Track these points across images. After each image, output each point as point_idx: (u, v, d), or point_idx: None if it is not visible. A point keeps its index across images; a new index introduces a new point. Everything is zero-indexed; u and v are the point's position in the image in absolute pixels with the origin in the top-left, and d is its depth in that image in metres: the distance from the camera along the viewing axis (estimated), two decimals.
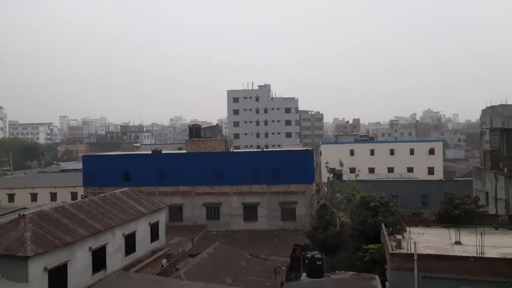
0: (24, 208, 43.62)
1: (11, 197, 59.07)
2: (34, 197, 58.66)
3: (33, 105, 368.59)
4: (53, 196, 57.77)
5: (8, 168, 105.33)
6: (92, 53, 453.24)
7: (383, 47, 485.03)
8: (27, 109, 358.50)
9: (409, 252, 22.78)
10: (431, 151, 74.13)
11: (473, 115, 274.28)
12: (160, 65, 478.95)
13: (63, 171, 79.79)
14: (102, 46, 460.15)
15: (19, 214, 22.66)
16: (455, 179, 62.28)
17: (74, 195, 55.31)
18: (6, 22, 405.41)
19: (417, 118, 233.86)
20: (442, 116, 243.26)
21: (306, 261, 29.23)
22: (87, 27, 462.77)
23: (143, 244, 29.21)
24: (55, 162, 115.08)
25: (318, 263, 28.52)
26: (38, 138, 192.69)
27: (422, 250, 22.97)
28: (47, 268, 19.93)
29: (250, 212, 43.73)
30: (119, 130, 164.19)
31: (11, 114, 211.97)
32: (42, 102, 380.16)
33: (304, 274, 29.53)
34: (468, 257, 21.79)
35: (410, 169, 70.69)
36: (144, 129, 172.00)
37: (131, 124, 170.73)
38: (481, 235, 22.95)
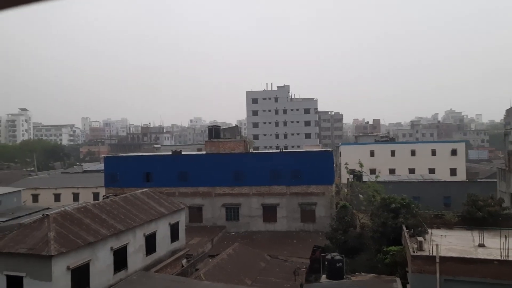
0: (48, 208, 44.65)
1: (35, 197, 60.39)
2: (57, 198, 59.83)
3: (56, 107, 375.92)
4: (76, 197, 58.85)
5: (32, 169, 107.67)
6: (113, 55, 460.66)
7: (404, 45, 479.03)
8: (50, 111, 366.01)
9: (431, 254, 22.49)
10: (454, 152, 72.88)
11: (497, 115, 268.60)
12: (179, 67, 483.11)
13: (85, 172, 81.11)
14: (122, 49, 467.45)
15: (43, 214, 23.19)
16: (479, 180, 61.05)
17: (96, 196, 56.22)
18: (31, 27, 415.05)
19: (439, 119, 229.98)
20: (464, 116, 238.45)
21: (326, 263, 29.10)
22: (108, 30, 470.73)
23: (164, 245, 29.49)
24: (77, 163, 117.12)
25: (338, 264, 28.36)
26: (61, 140, 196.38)
27: (444, 253, 22.65)
28: (70, 267, 20.31)
29: (269, 213, 43.70)
30: (139, 131, 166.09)
31: (35, 116, 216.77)
32: (65, 104, 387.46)
33: (324, 276, 29.40)
34: (492, 260, 21.39)
35: (431, 170, 69.55)
36: (164, 130, 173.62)
37: (152, 126, 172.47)
38: (506, 237, 22.48)
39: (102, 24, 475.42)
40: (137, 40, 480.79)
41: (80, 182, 62.70)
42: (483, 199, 30.78)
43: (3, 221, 40.10)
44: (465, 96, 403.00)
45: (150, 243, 27.82)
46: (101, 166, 72.81)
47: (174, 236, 31.11)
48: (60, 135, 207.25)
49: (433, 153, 73.26)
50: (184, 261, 31.75)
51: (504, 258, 21.33)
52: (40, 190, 61.29)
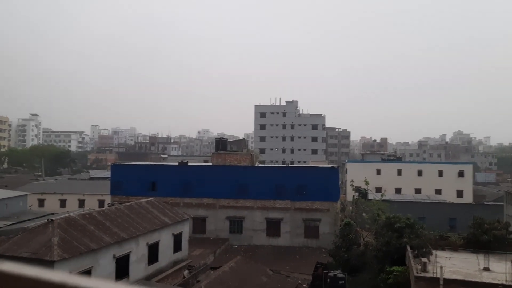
0: (53, 214, 44.79)
1: (41, 202, 60.63)
2: (63, 203, 60.03)
3: (66, 114, 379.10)
4: (81, 203, 59.02)
5: (40, 174, 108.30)
6: (124, 67, 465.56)
7: (413, 65, 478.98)
8: (60, 117, 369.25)
9: (435, 276, 22.29)
10: (461, 174, 72.41)
11: (506, 138, 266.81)
12: (189, 80, 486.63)
13: (91, 178, 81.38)
14: (134, 61, 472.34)
15: (48, 219, 23.32)
16: (485, 203, 60.50)
17: (101, 203, 56.36)
18: (44, 35, 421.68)
19: (447, 140, 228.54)
20: (472, 138, 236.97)
21: (328, 280, 28.91)
22: (120, 42, 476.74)
23: (166, 255, 29.47)
24: (84, 170, 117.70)
25: (340, 282, 28.17)
26: (70, 146, 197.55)
27: (448, 275, 22.42)
28: (71, 273, 20.34)
29: (273, 227, 43.56)
30: (147, 141, 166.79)
31: (46, 122, 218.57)
32: (75, 111, 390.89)
33: None
34: (497, 285, 21.15)
35: (438, 191, 69.07)
36: (172, 141, 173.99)
37: (160, 136, 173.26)
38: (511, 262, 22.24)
39: (114, 36, 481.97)
40: (148, 53, 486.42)
41: (86, 189, 62.92)
42: (489, 222, 30.54)
43: (8, 225, 40.30)
44: (473, 118, 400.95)
45: (153, 253, 27.83)
46: (107, 173, 73.16)
47: (177, 247, 31.09)
48: (69, 141, 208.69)
49: (440, 174, 72.83)
50: (186, 272, 31.65)
51: (509, 283, 21.08)
52: (46, 195, 61.56)
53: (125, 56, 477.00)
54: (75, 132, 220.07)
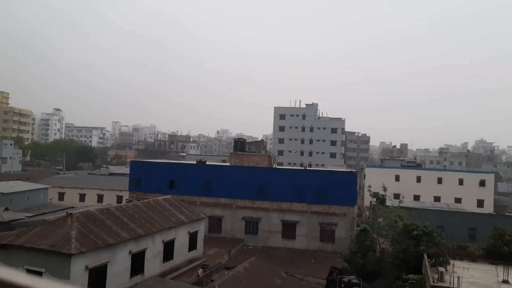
0: (72, 207, 45.57)
1: (61, 196, 61.70)
2: (82, 197, 60.96)
3: (88, 109, 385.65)
4: (100, 198, 59.85)
5: (61, 168, 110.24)
6: (147, 65, 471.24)
7: (435, 73, 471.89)
8: (83, 113, 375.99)
9: (451, 286, 21.90)
10: (482, 183, 70.95)
11: None
12: (210, 81, 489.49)
13: (111, 174, 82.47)
14: (156, 60, 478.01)
15: (67, 213, 23.72)
16: (507, 214, 59.17)
17: (119, 199, 57.03)
18: (69, 35, 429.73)
19: (469, 148, 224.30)
20: (495, 148, 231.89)
21: (343, 285, 28.67)
22: (144, 41, 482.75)
23: (181, 252, 29.66)
24: (104, 165, 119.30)
25: None
26: (91, 141, 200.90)
27: (465, 286, 22.02)
28: (88, 267, 20.64)
29: (289, 230, 43.42)
30: (167, 139, 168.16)
31: (68, 117, 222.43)
32: (97, 107, 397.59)
33: None
34: None
35: (458, 200, 67.85)
36: (191, 140, 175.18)
37: (179, 134, 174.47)
38: None
39: (139, 35, 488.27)
40: (171, 53, 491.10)
41: (105, 184, 63.75)
42: (510, 233, 29.89)
43: (28, 217, 41.18)
44: (497, 127, 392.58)
45: (168, 250, 28.04)
46: (127, 170, 74.01)
47: (192, 245, 31.26)
48: (90, 136, 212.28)
49: (461, 182, 71.51)
50: (200, 271, 31.80)
51: None
52: (67, 189, 62.58)
53: (148, 55, 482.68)
54: (96, 128, 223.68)
